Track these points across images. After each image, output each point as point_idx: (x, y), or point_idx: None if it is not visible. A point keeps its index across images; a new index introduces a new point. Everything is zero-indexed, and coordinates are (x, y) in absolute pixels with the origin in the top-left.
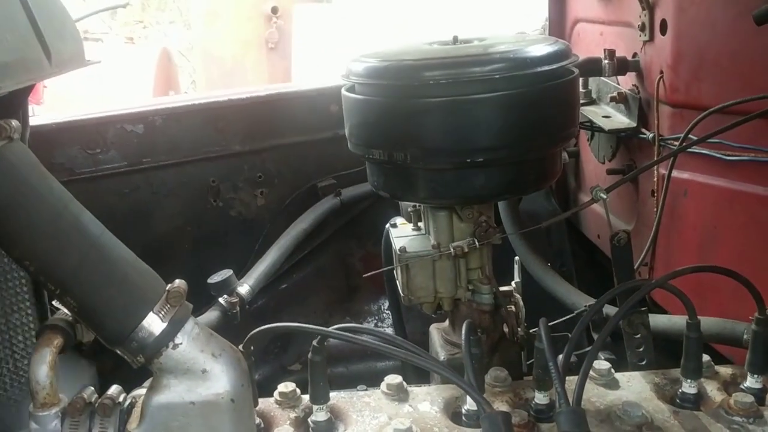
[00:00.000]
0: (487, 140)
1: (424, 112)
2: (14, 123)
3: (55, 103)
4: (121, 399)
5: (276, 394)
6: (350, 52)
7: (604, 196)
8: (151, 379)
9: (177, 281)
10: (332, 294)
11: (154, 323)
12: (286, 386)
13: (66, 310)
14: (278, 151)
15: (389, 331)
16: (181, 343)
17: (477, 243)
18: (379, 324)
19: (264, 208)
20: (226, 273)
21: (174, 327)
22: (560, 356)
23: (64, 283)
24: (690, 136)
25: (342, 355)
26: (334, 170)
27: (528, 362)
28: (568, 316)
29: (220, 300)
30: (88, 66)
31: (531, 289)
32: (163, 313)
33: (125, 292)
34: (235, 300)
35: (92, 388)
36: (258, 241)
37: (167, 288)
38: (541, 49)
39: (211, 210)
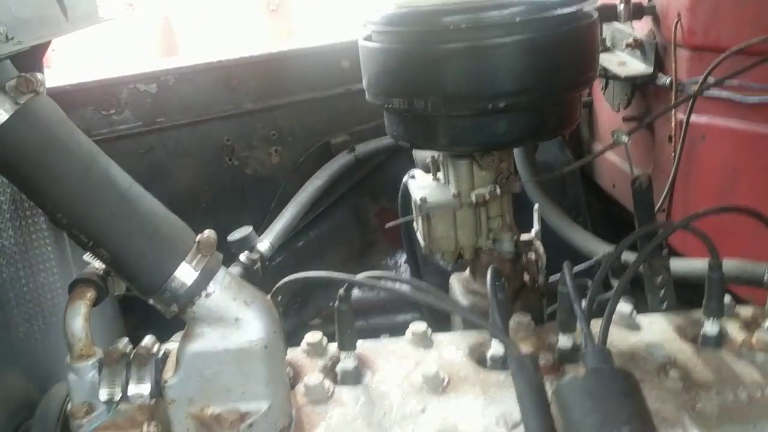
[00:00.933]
0: (508, 85)
1: (445, 58)
2: (39, 76)
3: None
4: (155, 349)
5: (303, 343)
6: (352, 11)
7: (626, 139)
8: (182, 331)
9: (207, 231)
10: (349, 250)
11: (186, 273)
12: (313, 336)
13: (97, 264)
14: (291, 108)
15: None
16: (213, 292)
17: (498, 190)
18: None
19: (279, 165)
20: (246, 230)
21: (206, 276)
22: (583, 300)
23: (97, 235)
24: (709, 78)
25: (362, 308)
26: (348, 126)
27: (549, 310)
28: (587, 263)
29: (241, 257)
30: (103, 22)
31: (548, 238)
32: (195, 262)
33: (157, 242)
34: (256, 256)
35: (126, 339)
36: (274, 199)
37: (197, 239)
38: None
39: (227, 169)
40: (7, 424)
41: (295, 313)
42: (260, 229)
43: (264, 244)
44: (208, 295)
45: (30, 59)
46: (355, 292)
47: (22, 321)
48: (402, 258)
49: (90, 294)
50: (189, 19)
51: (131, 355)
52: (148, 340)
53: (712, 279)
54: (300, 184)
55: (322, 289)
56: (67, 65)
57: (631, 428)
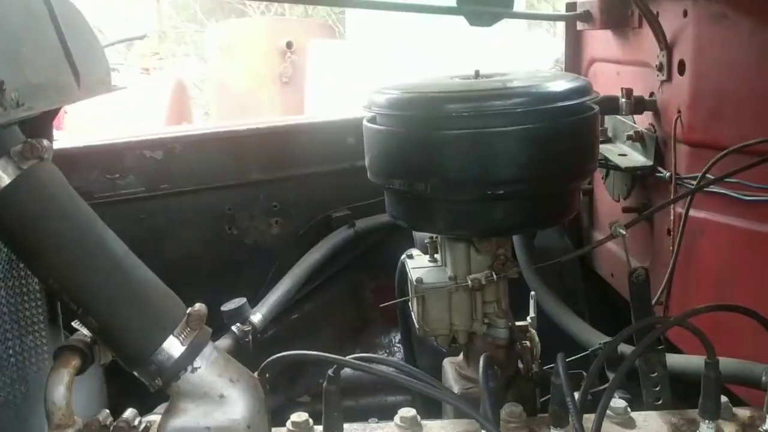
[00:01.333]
0: (507, 173)
1: (446, 144)
2: (45, 143)
3: (72, 131)
4: (136, 423)
5: (288, 423)
6: (363, 87)
7: (624, 232)
8: (165, 403)
9: (197, 305)
10: (343, 325)
11: (173, 346)
12: (299, 416)
13: (85, 331)
14: (295, 181)
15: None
16: (199, 367)
17: (495, 276)
18: (390, 357)
19: (278, 237)
20: (240, 301)
21: (193, 351)
22: (577, 393)
23: (86, 302)
24: (707, 175)
25: (352, 388)
26: (349, 201)
27: (542, 399)
28: (582, 353)
29: (233, 328)
30: (114, 91)
31: (545, 325)
32: (183, 336)
33: (147, 313)
34: (248, 328)
35: (107, 411)
36: (272, 270)
37: (188, 311)
38: (563, 84)
39: (226, 238)
40: None
41: (284, 390)
42: (256, 300)
43: (257, 316)
44: (194, 370)
45: (39, 124)
46: (346, 371)
47: (3, 385)
48: (397, 336)
49: (75, 362)
50: (204, 85)
51: (111, 428)
52: (129, 413)
53: (708, 378)
54: (299, 256)
55: (312, 366)
56: (79, 127)
57: None
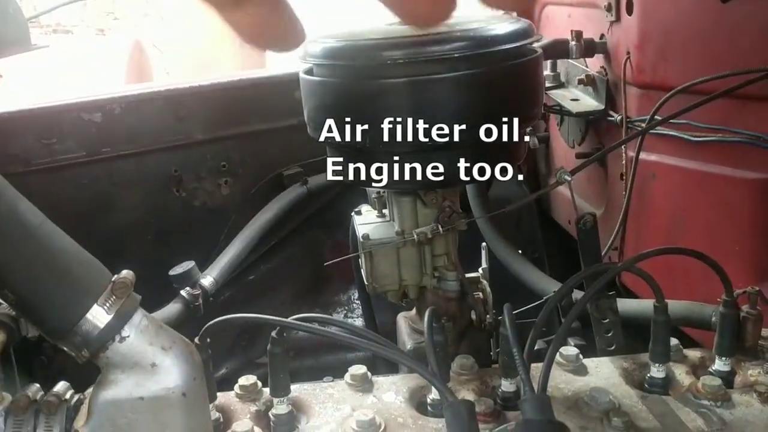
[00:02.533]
0: (447, 121)
1: (384, 93)
2: None
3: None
4: (68, 396)
5: (236, 387)
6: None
7: (569, 178)
8: None
9: (123, 272)
10: (301, 285)
11: (98, 315)
12: (246, 379)
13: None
14: (242, 139)
15: (359, 321)
16: (128, 336)
17: (441, 229)
18: (349, 315)
19: (229, 197)
20: (188, 264)
21: (120, 319)
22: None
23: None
24: (657, 117)
25: (311, 346)
26: (300, 159)
27: (496, 350)
28: (536, 303)
29: (182, 293)
30: (34, 50)
31: (500, 275)
32: (108, 305)
33: (67, 283)
34: (198, 292)
35: (37, 385)
36: (224, 232)
37: (112, 279)
38: (503, 27)
39: (174, 201)
40: None
41: (242, 352)
42: (207, 263)
43: (207, 279)
44: (122, 340)
45: None
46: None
47: None
48: (356, 294)
49: (0, 337)
50: (164, 45)
51: (41, 403)
52: (60, 386)
53: (657, 322)
54: (251, 216)
55: (271, 327)
56: (20, 94)
57: None
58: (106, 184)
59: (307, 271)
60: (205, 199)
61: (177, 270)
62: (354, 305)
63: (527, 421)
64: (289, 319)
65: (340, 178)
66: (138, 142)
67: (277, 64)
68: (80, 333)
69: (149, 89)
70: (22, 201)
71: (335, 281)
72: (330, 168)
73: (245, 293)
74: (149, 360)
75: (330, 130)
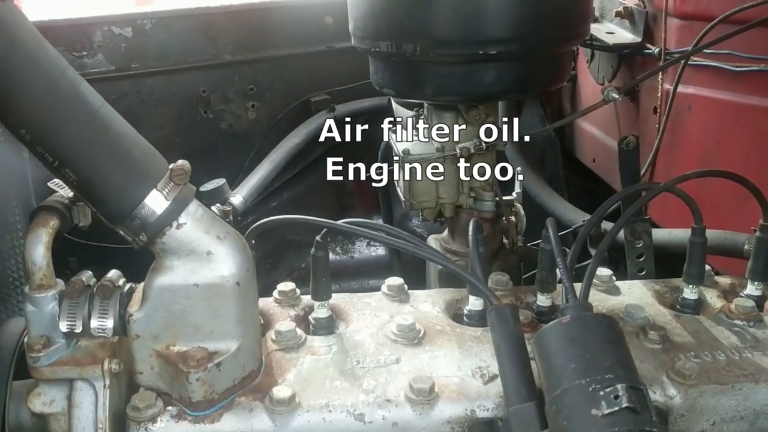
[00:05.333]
0: (499, 31)
1: (435, 1)
2: None
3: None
4: (120, 283)
5: (275, 293)
6: None
7: (616, 96)
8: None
9: (180, 161)
10: (323, 212)
11: (157, 201)
12: (285, 285)
13: (63, 193)
14: (270, 62)
15: (380, 250)
16: (185, 223)
17: (484, 144)
18: (372, 243)
19: (255, 122)
20: (219, 182)
21: (178, 206)
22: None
23: (62, 154)
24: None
25: (335, 271)
26: (328, 86)
27: (524, 276)
28: (566, 231)
29: (213, 209)
30: None
31: (527, 205)
32: (166, 191)
33: (127, 166)
34: (228, 209)
35: (89, 272)
36: (249, 156)
37: (170, 167)
38: None
39: (201, 121)
40: None
41: (266, 274)
42: (233, 186)
43: (237, 198)
44: (179, 226)
45: None
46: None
47: None
48: (379, 222)
49: (53, 222)
50: None
51: (94, 288)
52: (113, 273)
53: (694, 243)
54: (276, 141)
55: (294, 250)
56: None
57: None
58: (135, 100)
59: (329, 200)
60: (232, 122)
61: (208, 186)
62: None
63: (580, 315)
64: (337, 222)
65: (386, 89)
66: (168, 60)
67: None
68: (139, 217)
69: (181, 6)
70: (83, 83)
71: (358, 209)
72: (374, 79)
73: None
74: (205, 248)
75: (378, 38)
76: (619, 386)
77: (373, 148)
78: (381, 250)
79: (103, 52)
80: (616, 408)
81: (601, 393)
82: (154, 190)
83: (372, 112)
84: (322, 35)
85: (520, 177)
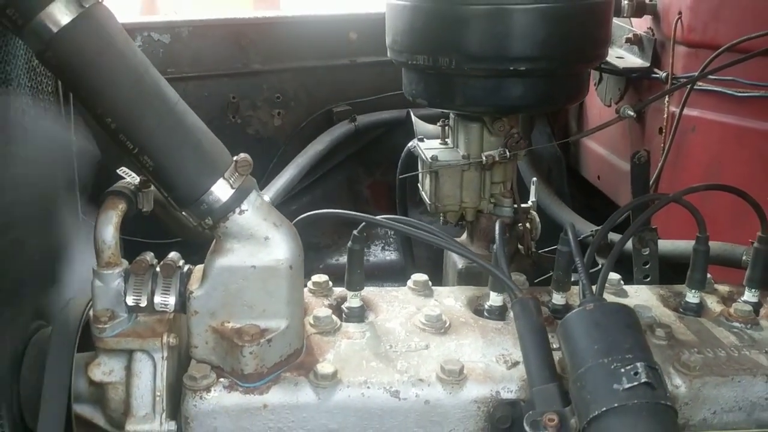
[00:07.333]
0: (528, 50)
1: (472, 18)
2: None
3: None
4: (180, 263)
5: (309, 284)
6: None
7: (632, 113)
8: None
9: (243, 154)
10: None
11: (223, 188)
12: (319, 277)
13: (129, 179)
14: (297, 73)
15: (395, 255)
16: (246, 210)
17: (508, 153)
18: (386, 248)
19: (280, 128)
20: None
21: (241, 194)
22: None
23: (143, 142)
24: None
25: None
26: (349, 97)
27: (536, 280)
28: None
29: None
30: None
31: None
32: (232, 180)
33: (199, 156)
34: None
35: (152, 253)
36: (272, 160)
37: (235, 158)
38: None
39: (230, 126)
40: (21, 332)
41: None
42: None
43: (264, 197)
44: (241, 212)
45: None
46: (342, 260)
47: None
48: (413, 220)
49: (122, 205)
50: None
51: (157, 267)
52: (173, 254)
53: (698, 251)
54: (299, 148)
55: (313, 251)
56: None
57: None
58: None
59: (346, 206)
60: (258, 128)
61: None
62: (391, 239)
63: (602, 304)
64: (377, 217)
65: (418, 99)
66: (201, 66)
67: (290, 5)
68: (206, 202)
69: (216, 16)
70: (162, 79)
71: (374, 215)
72: (407, 90)
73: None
74: (263, 233)
75: (416, 52)
76: (638, 364)
77: (390, 158)
78: (394, 255)
79: None
80: (636, 383)
81: (622, 370)
82: (221, 178)
83: (391, 124)
84: (347, 49)
85: (535, 186)
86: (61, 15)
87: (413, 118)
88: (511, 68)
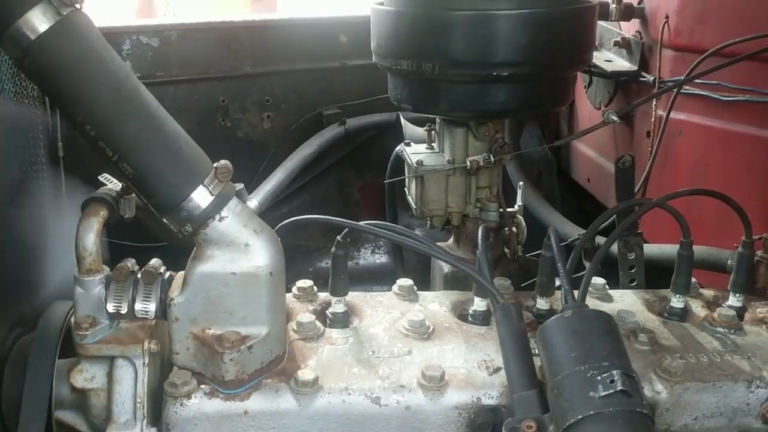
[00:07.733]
0: (511, 55)
1: (455, 24)
2: None
3: None
4: (162, 270)
5: (294, 289)
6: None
7: (616, 119)
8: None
9: (223, 161)
10: None
11: (203, 195)
12: (304, 282)
13: (111, 186)
14: (287, 76)
15: (384, 259)
16: (226, 217)
17: (492, 158)
18: (376, 251)
19: (270, 131)
20: (238, 186)
21: (221, 201)
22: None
23: (122, 149)
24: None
25: None
26: (340, 100)
27: (522, 285)
28: (562, 244)
29: None
30: None
31: (525, 218)
32: (212, 186)
33: (179, 163)
34: None
35: (133, 260)
36: (262, 163)
37: (215, 165)
38: None
39: (219, 129)
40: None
41: None
42: (247, 191)
43: (252, 202)
44: (221, 219)
45: None
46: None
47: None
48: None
49: (103, 212)
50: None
51: (138, 274)
52: (155, 261)
53: (682, 256)
54: (289, 151)
55: (302, 254)
56: None
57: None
58: None
59: (336, 209)
60: (248, 131)
61: None
62: (380, 243)
63: (580, 310)
64: (359, 223)
65: (404, 104)
66: (190, 70)
67: (288, 8)
68: (186, 209)
69: (205, 20)
70: (141, 86)
71: (362, 219)
72: (393, 95)
73: (277, 225)
74: (243, 240)
75: (400, 57)
76: (614, 372)
77: (380, 161)
78: (384, 258)
79: (131, 59)
80: (612, 391)
81: (599, 378)
82: (201, 185)
83: (381, 127)
84: (337, 52)
85: (522, 190)
86: (38, 22)
87: (403, 121)
88: (494, 73)
